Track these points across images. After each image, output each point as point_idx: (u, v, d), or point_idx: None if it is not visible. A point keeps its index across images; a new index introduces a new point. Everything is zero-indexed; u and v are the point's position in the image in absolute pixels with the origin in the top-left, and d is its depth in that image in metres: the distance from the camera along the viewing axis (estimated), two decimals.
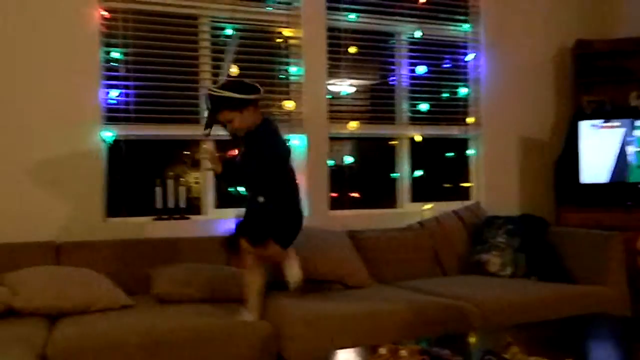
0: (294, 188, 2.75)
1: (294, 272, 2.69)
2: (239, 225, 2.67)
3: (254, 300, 2.66)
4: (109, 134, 3.39)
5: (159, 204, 3.53)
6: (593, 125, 4.16)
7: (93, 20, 3.31)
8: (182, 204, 3.59)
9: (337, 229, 3.59)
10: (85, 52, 3.30)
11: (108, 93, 3.40)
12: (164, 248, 3.26)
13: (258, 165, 2.55)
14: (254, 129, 2.62)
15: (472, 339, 2.40)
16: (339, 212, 3.90)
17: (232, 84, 2.66)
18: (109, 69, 3.41)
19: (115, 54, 3.42)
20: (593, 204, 4.09)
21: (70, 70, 3.26)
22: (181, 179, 3.70)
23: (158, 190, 3.53)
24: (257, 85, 2.66)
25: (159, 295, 2.86)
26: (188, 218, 3.60)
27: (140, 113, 3.46)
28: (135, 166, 3.58)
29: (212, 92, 2.60)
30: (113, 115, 3.41)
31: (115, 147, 3.44)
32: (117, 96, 3.43)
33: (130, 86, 3.45)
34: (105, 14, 3.37)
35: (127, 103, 3.45)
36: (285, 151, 2.71)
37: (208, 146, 2.58)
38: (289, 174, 2.73)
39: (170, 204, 3.55)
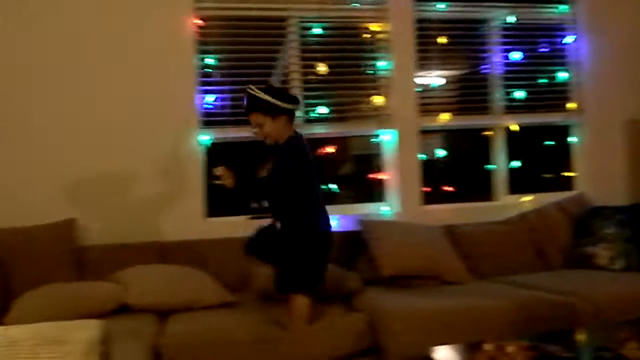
0: (318, 207, 2.63)
1: None
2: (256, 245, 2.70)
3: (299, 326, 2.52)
4: (205, 137, 3.52)
5: (253, 203, 3.63)
6: None
7: (188, 29, 3.46)
8: None
9: (432, 224, 3.52)
10: (182, 59, 3.45)
11: (204, 98, 3.54)
12: None
13: (282, 181, 2.51)
14: (283, 143, 2.57)
15: (581, 336, 2.27)
16: (432, 207, 3.82)
17: (273, 89, 2.63)
18: (204, 75, 3.55)
19: (209, 60, 3.56)
20: None
21: (168, 77, 3.43)
22: None
23: None
24: (298, 98, 2.64)
25: (260, 292, 2.94)
26: None
27: (234, 116, 3.57)
28: (232, 168, 3.69)
29: (250, 91, 2.56)
30: (209, 119, 3.54)
31: (212, 150, 3.58)
32: (213, 101, 3.56)
33: (225, 90, 3.57)
34: (199, 22, 3.51)
35: (222, 107, 3.57)
36: (304, 173, 2.55)
37: (219, 169, 2.57)
38: (313, 190, 2.62)
39: (265, 203, 3.63)
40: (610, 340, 1.84)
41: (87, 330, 1.19)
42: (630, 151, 4.09)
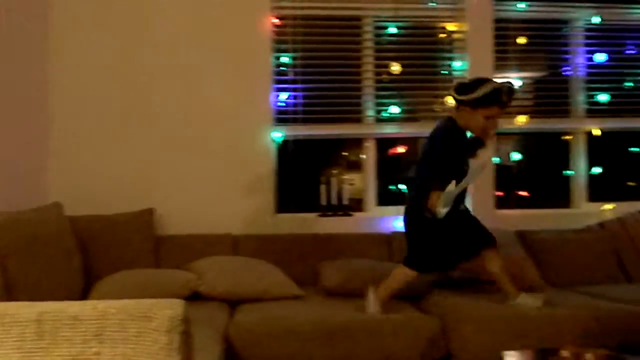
0: None
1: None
2: None
3: (386, 293, 2.62)
4: (277, 135, 3.58)
5: (323, 201, 3.65)
6: None
7: (265, 28, 3.53)
8: (345, 202, 3.68)
9: (505, 229, 3.42)
10: (259, 58, 3.53)
11: (278, 96, 3.60)
12: (328, 243, 3.37)
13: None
14: None
15: None
16: (505, 212, 3.72)
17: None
18: (279, 73, 3.61)
19: (284, 59, 3.61)
20: None
21: (245, 75, 3.51)
22: (343, 178, 3.79)
23: (323, 187, 3.65)
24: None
25: (327, 287, 2.95)
26: (351, 215, 3.68)
27: (306, 114, 3.61)
28: (300, 165, 3.74)
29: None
30: (282, 117, 3.60)
31: (282, 147, 3.62)
32: (286, 98, 3.62)
33: (298, 88, 3.62)
34: (276, 21, 3.57)
35: (294, 105, 3.62)
36: None
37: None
38: None
39: (334, 201, 3.66)
40: None
41: (172, 309, 1.23)
42: None
